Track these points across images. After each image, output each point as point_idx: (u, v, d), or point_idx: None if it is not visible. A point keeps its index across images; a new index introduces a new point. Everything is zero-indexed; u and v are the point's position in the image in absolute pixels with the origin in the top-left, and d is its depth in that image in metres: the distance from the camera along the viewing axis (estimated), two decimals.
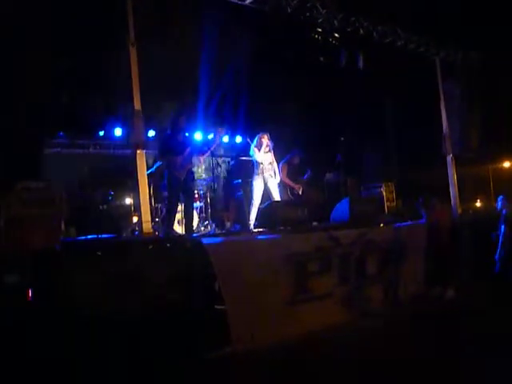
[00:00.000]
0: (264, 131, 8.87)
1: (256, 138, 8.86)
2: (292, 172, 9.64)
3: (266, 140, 8.73)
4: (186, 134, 8.24)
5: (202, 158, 8.42)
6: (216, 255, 5.40)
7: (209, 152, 8.41)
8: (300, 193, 9.62)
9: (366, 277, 7.00)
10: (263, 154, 8.69)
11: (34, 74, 8.25)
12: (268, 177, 8.69)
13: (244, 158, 10.57)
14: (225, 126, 11.98)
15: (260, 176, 8.67)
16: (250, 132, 9.43)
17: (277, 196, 8.65)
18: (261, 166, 8.67)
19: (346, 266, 6.70)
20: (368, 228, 7.38)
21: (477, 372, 4.71)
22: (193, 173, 7.98)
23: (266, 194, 8.69)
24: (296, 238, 6.47)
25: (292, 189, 9.59)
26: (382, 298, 7.16)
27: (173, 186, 7.58)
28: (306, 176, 9.95)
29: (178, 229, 8.21)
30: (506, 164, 15.40)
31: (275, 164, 8.78)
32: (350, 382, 4.67)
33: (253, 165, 8.84)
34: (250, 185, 8.89)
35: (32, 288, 4.68)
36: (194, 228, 8.26)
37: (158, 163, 8.52)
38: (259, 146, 8.72)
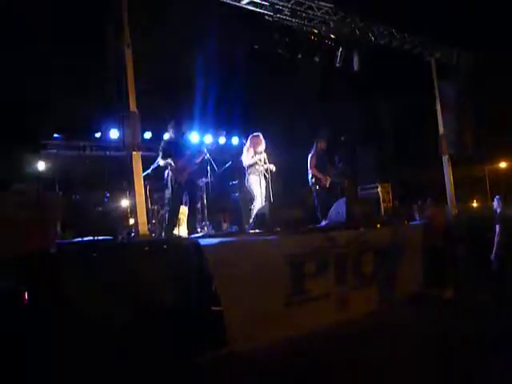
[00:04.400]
0: (257, 131, 8.86)
1: (249, 138, 8.84)
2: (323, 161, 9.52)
3: (259, 140, 8.72)
4: (188, 137, 8.20)
5: (198, 160, 8.35)
6: (212, 256, 5.38)
7: (206, 153, 8.36)
8: (327, 185, 9.43)
9: (362, 277, 6.99)
10: (257, 155, 8.65)
11: (29, 76, 8.24)
12: (262, 177, 8.67)
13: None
14: (221, 127, 12.03)
15: (255, 175, 8.63)
16: (247, 133, 9.39)
17: (268, 197, 8.61)
18: (255, 166, 8.63)
19: (342, 266, 6.68)
20: (365, 229, 7.37)
21: (476, 372, 4.70)
22: (193, 175, 7.95)
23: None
24: (293, 239, 6.46)
25: (319, 181, 9.41)
26: (379, 299, 7.14)
27: (174, 189, 7.60)
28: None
29: (175, 230, 8.18)
30: (502, 164, 15.46)
31: (268, 164, 8.69)
32: (347, 383, 4.66)
33: (248, 165, 8.75)
34: (247, 186, 8.84)
35: (28, 291, 4.65)
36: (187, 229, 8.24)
37: (155, 165, 8.49)
38: (253, 146, 8.70)
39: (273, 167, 8.71)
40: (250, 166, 8.68)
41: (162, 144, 8.11)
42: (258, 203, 8.50)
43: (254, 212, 8.44)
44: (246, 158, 8.74)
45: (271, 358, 5.15)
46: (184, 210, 8.22)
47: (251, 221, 8.26)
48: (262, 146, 8.70)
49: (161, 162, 7.87)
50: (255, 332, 5.42)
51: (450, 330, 6.00)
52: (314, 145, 9.63)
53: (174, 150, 7.63)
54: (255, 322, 5.47)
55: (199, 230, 8.88)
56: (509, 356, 5.06)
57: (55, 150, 10.35)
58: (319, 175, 9.40)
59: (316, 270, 6.29)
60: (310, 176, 9.50)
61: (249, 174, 8.70)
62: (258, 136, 8.80)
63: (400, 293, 7.42)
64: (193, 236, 7.43)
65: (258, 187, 8.58)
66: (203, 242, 5.65)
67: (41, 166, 9.70)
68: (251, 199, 8.68)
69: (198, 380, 4.71)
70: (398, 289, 7.41)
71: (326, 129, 10.00)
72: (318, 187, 9.44)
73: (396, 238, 7.59)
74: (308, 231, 7.13)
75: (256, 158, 8.64)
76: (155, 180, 8.73)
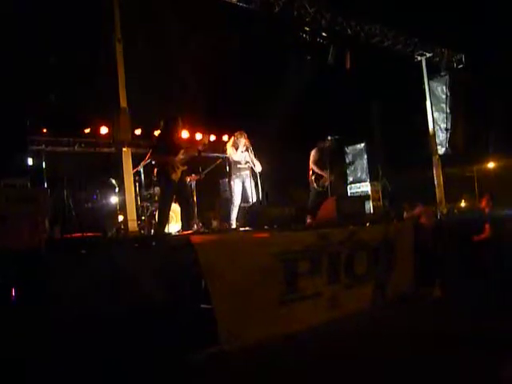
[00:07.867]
0: (241, 129, 8.82)
1: (233, 137, 8.84)
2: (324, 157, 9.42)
3: (243, 138, 8.66)
4: (183, 136, 8.05)
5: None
6: (203, 254, 5.34)
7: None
8: (327, 184, 9.32)
9: (355, 276, 6.97)
10: (240, 153, 8.64)
11: (19, 71, 8.16)
12: (245, 176, 8.66)
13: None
14: (212, 125, 11.99)
15: (238, 175, 8.64)
16: (235, 130, 9.35)
17: (253, 196, 8.59)
18: (238, 165, 8.64)
19: (335, 265, 6.65)
20: (357, 227, 7.36)
21: (465, 372, 4.71)
22: (185, 174, 7.84)
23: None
24: (285, 237, 6.43)
25: (319, 178, 9.36)
26: (372, 297, 7.14)
27: (166, 187, 7.40)
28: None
29: (165, 228, 8.13)
30: (491, 164, 15.57)
31: (255, 162, 8.65)
32: (337, 382, 4.65)
33: (229, 164, 8.79)
34: (229, 185, 8.84)
35: (15, 288, 4.60)
36: (181, 227, 8.19)
37: (147, 161, 8.40)
38: (236, 145, 8.67)
39: (258, 167, 8.61)
40: (234, 165, 8.66)
41: (155, 140, 7.97)
42: (236, 207, 8.57)
43: (235, 212, 8.48)
44: (231, 156, 8.74)
45: (263, 356, 5.12)
46: (175, 208, 8.17)
47: (242, 218, 8.24)
48: (244, 145, 8.64)
49: (153, 158, 7.66)
50: (247, 330, 5.39)
51: (440, 329, 6.02)
52: (319, 143, 9.60)
53: (167, 147, 7.38)
54: (246, 320, 5.44)
55: (189, 227, 8.86)
56: (497, 354, 5.08)
57: (44, 146, 10.26)
58: (320, 172, 9.31)
59: (309, 269, 6.26)
60: (311, 172, 9.46)
61: (231, 176, 8.70)
62: (239, 133, 8.76)
63: (392, 291, 7.43)
64: (183, 233, 7.39)
65: (237, 190, 8.61)
66: (193, 239, 5.60)
67: (29, 161, 9.62)
68: (232, 201, 8.72)
69: (189, 378, 4.68)
70: (389, 288, 7.41)
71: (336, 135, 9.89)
72: (315, 185, 9.38)
73: (388, 237, 7.60)
74: (301, 229, 7.10)
75: (238, 156, 8.63)
76: (145, 177, 8.68)
